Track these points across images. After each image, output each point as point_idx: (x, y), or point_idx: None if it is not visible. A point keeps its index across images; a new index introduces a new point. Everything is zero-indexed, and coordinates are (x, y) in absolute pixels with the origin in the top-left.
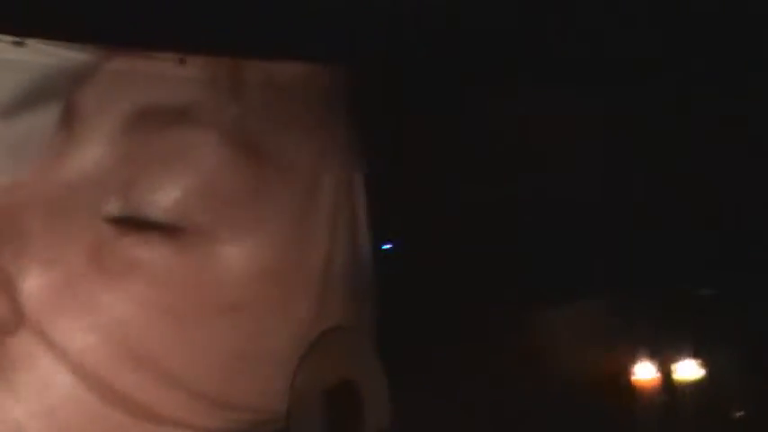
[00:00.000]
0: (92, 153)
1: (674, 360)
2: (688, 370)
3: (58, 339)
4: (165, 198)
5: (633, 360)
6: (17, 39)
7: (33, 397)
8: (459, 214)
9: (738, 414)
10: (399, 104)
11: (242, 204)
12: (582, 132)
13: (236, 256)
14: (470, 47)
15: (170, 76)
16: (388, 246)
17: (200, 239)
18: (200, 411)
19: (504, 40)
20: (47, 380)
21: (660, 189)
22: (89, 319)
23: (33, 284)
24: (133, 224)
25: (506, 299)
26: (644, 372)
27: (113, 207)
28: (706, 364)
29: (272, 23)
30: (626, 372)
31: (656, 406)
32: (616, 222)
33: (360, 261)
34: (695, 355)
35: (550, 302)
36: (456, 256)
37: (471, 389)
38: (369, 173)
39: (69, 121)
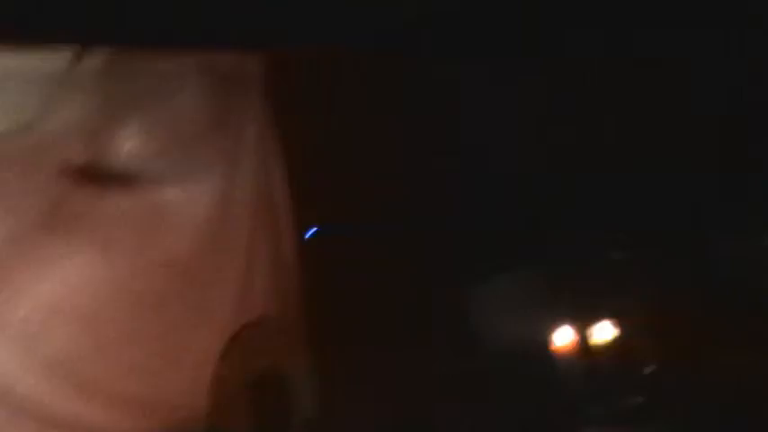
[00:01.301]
0: (69, 108)
1: (593, 323)
2: (605, 332)
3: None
4: (127, 141)
5: (557, 325)
6: None
7: None
8: (386, 195)
9: (650, 369)
10: (320, 88)
11: (196, 146)
12: (513, 105)
13: (182, 203)
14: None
15: None
16: (312, 231)
17: (153, 187)
18: (120, 415)
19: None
20: None
21: (578, 161)
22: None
23: None
24: (92, 174)
25: (435, 279)
26: (565, 336)
27: (78, 156)
28: (621, 325)
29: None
30: (551, 337)
31: (579, 368)
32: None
33: (284, 248)
34: (612, 317)
35: (477, 278)
36: (382, 239)
37: (401, 373)
38: (290, 157)
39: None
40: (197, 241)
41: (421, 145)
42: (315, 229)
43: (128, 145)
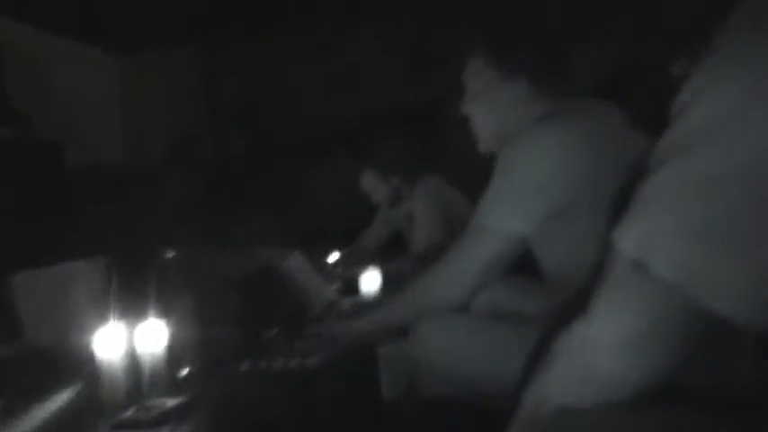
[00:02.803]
0: None
1: (140, 322)
2: (152, 332)
3: None
4: None
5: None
6: None
7: None
8: None
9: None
10: None
11: None
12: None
13: None
14: None
15: None
16: None
17: None
18: None
19: None
20: None
21: None
22: None
23: None
24: None
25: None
26: (109, 334)
27: None
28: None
29: None
30: (94, 333)
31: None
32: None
33: None
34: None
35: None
36: None
37: None
38: None
39: None
40: None
41: None
42: None
43: None
